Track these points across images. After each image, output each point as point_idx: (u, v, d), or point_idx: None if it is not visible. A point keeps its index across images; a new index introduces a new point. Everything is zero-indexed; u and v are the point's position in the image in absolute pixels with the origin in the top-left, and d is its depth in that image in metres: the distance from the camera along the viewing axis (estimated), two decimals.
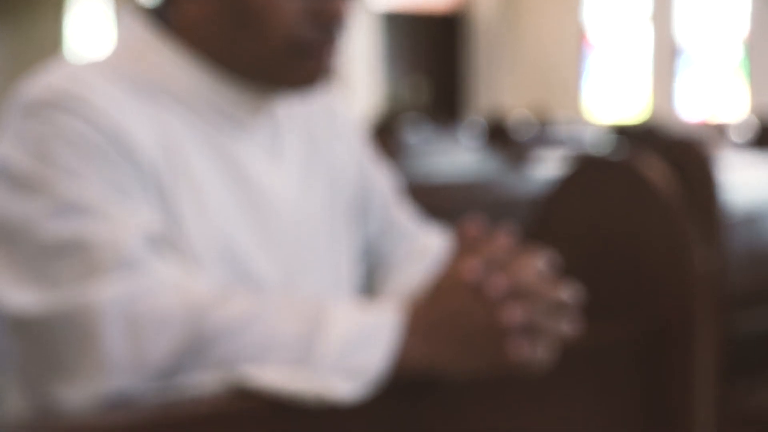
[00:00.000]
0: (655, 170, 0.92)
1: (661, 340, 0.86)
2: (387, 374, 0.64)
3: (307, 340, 0.64)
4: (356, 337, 0.64)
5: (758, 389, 1.43)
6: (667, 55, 8.91)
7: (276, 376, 0.62)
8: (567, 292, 0.67)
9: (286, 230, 0.79)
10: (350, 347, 0.63)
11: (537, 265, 0.67)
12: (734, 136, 4.52)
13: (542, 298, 0.65)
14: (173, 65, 0.76)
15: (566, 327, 0.67)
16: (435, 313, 0.66)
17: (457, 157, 3.11)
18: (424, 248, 0.91)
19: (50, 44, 10.46)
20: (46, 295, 0.63)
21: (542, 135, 4.94)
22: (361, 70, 9.73)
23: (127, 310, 0.62)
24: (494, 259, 0.66)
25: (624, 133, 4.74)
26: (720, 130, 5.27)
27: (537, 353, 0.65)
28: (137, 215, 0.67)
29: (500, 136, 4.50)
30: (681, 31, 8.81)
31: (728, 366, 1.26)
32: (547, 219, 1.03)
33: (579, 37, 9.72)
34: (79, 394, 0.62)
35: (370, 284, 0.91)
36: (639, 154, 1.00)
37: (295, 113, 0.86)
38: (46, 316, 0.63)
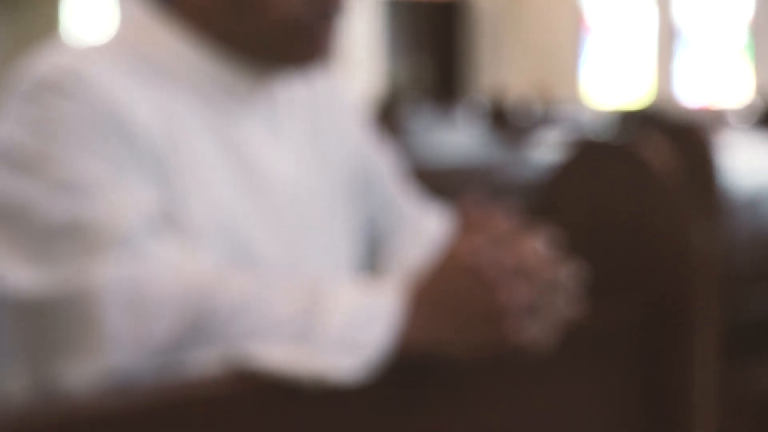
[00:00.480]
0: (656, 154, 0.92)
1: (662, 323, 0.87)
2: (388, 353, 0.64)
3: (308, 319, 0.64)
4: (357, 316, 0.64)
5: (760, 370, 1.43)
6: (668, 38, 8.88)
7: (276, 355, 0.62)
8: (567, 273, 0.68)
9: (285, 208, 0.80)
10: (351, 327, 0.64)
11: (537, 245, 0.67)
12: (737, 120, 4.51)
13: (543, 278, 0.66)
14: (174, 45, 0.77)
15: (567, 308, 0.68)
16: (435, 294, 0.66)
17: (457, 139, 3.12)
18: (425, 229, 0.92)
19: (48, 27, 10.43)
20: (47, 275, 0.63)
21: (542, 118, 4.94)
22: (363, 52, 9.72)
23: (128, 290, 0.63)
24: (494, 239, 0.66)
25: (625, 116, 4.74)
26: (723, 114, 5.26)
27: (537, 333, 0.65)
28: (137, 195, 0.67)
29: (501, 119, 4.50)
30: (683, 14, 8.77)
31: (730, 348, 1.26)
32: (548, 203, 1.03)
33: (577, 19, 9.69)
34: (80, 372, 0.63)
35: (371, 263, 0.92)
36: (640, 138, 1.00)
37: (296, 94, 0.86)
38: (46, 295, 0.63)
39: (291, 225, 0.80)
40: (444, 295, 0.66)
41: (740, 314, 1.42)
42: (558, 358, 0.71)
